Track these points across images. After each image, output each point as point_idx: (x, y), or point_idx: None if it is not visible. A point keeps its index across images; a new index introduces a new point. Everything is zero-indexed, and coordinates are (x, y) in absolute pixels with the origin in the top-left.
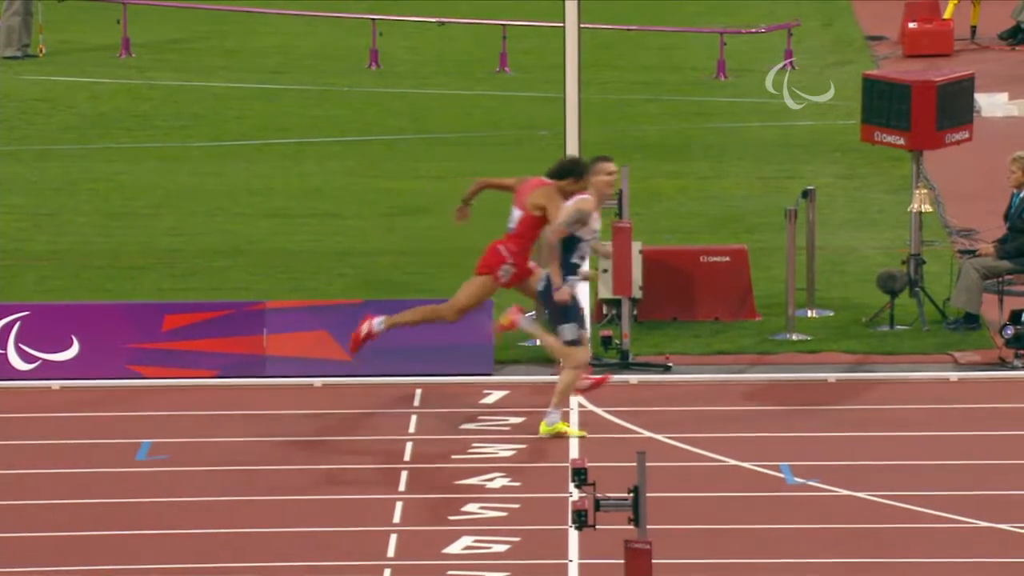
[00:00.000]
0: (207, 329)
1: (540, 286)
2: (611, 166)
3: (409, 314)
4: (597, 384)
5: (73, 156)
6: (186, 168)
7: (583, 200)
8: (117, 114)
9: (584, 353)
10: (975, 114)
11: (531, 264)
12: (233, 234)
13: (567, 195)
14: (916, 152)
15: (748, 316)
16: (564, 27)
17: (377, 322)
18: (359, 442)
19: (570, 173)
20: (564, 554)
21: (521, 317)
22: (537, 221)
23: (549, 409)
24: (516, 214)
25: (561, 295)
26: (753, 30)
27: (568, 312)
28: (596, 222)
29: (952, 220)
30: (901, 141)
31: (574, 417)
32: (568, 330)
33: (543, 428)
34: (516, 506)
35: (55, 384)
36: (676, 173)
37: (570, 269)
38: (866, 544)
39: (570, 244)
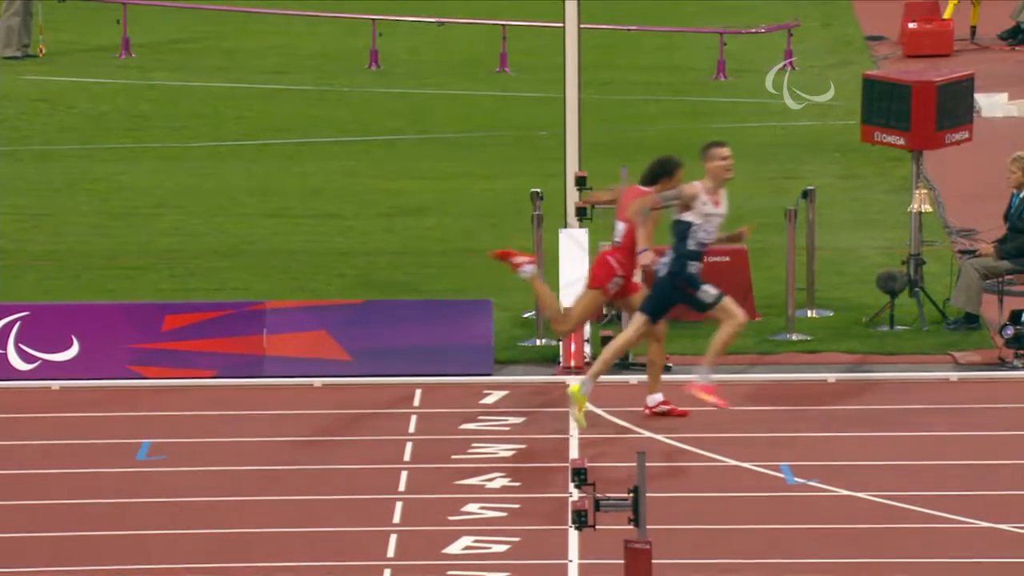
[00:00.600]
0: (207, 329)
1: (661, 271)
2: (725, 151)
3: (548, 294)
4: (676, 414)
5: (73, 156)
6: (186, 168)
7: (687, 184)
8: (117, 114)
9: (736, 304)
10: (975, 114)
11: (635, 280)
12: (233, 234)
13: None
14: (916, 152)
15: (748, 316)
16: (564, 27)
17: (528, 268)
18: (359, 442)
19: (661, 175)
20: (564, 554)
21: (702, 378)
22: (634, 227)
23: (584, 377)
24: (620, 227)
25: (644, 258)
26: (753, 30)
27: (694, 279)
28: (708, 207)
29: (952, 220)
30: (901, 141)
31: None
32: (708, 290)
33: (574, 387)
34: (516, 506)
35: (55, 384)
36: None
37: (690, 255)
38: (866, 544)
39: (684, 230)
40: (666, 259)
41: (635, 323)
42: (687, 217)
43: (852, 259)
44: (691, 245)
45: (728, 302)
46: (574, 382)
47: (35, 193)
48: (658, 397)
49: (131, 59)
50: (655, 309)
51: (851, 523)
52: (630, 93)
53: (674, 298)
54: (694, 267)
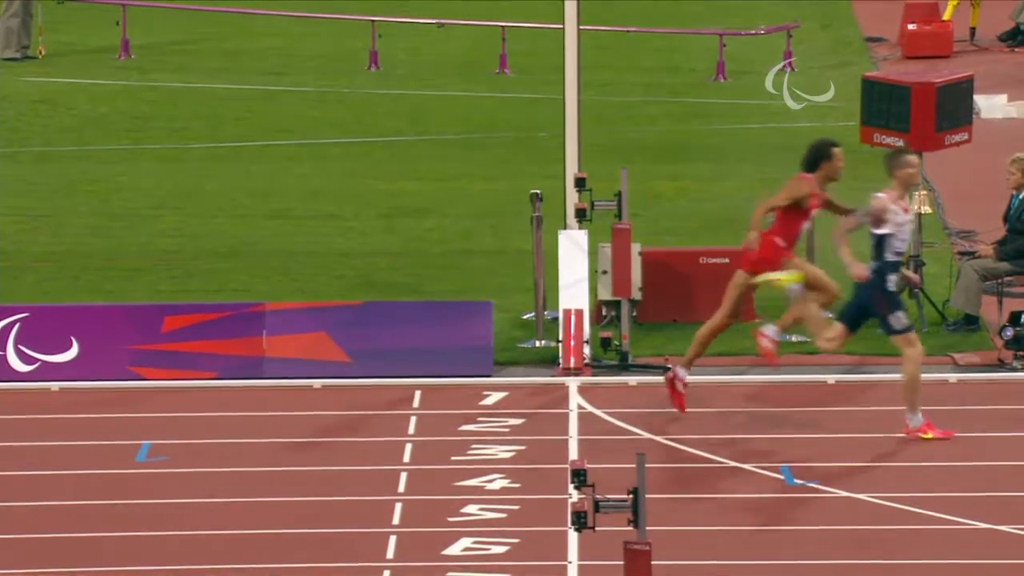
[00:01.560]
0: (206, 330)
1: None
2: (915, 158)
3: (800, 310)
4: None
5: (72, 157)
6: (185, 169)
7: (874, 198)
8: (116, 115)
9: (917, 338)
10: (974, 116)
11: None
12: (232, 235)
13: (829, 179)
14: (915, 154)
15: (747, 318)
16: (563, 28)
17: (772, 331)
18: (358, 443)
19: (820, 158)
20: (563, 555)
21: (912, 421)
22: (785, 209)
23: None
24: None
25: (858, 270)
26: (752, 32)
27: (893, 298)
28: (900, 216)
29: (951, 222)
30: (900, 143)
31: (574, 419)
32: (900, 317)
33: (791, 277)
34: (515, 507)
35: (54, 385)
36: (675, 174)
37: (888, 267)
38: (865, 546)
39: (880, 242)
40: (871, 268)
41: (834, 331)
42: (882, 230)
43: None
44: (889, 256)
45: (913, 335)
46: (789, 279)
47: (34, 194)
48: (684, 373)
49: (131, 60)
50: (852, 319)
51: (851, 524)
52: (630, 94)
53: (869, 309)
54: (892, 279)
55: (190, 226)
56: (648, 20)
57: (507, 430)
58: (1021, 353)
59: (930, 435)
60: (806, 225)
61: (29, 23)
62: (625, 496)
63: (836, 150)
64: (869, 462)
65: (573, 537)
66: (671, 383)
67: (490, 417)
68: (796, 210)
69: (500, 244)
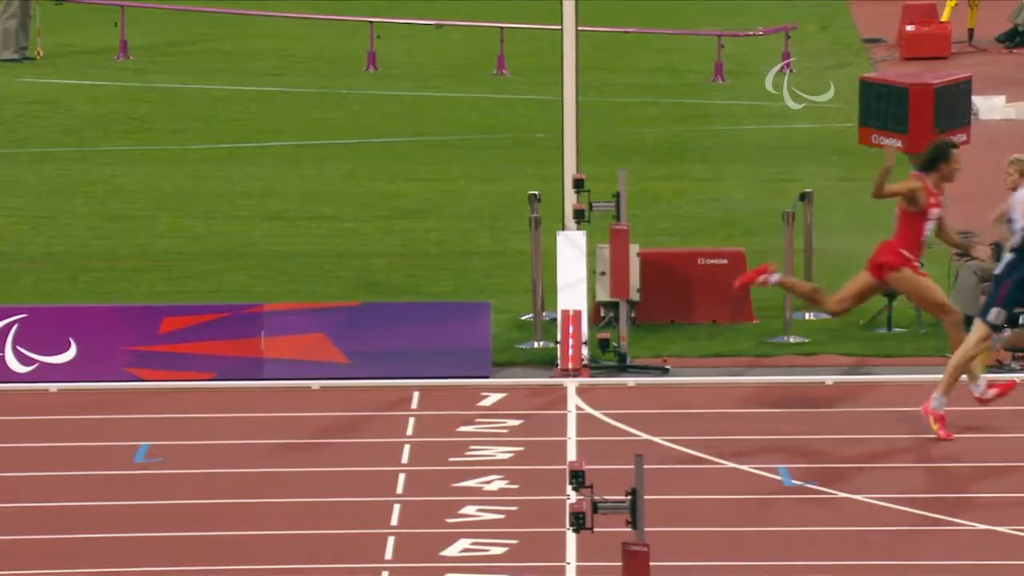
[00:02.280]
0: (205, 332)
1: (997, 270)
2: None
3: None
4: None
5: (71, 159)
6: (184, 171)
7: None
8: (115, 117)
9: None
10: (972, 117)
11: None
12: (231, 237)
13: (943, 180)
14: (914, 155)
15: (745, 319)
16: (562, 30)
17: (773, 277)
18: (357, 444)
19: (938, 159)
20: (562, 556)
21: (938, 403)
22: (904, 213)
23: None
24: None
25: None
26: (751, 33)
27: (1015, 291)
28: None
29: (949, 223)
30: (899, 144)
31: (572, 420)
32: (999, 314)
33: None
34: (514, 508)
35: (53, 387)
36: (674, 176)
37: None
38: (864, 547)
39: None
40: (1008, 260)
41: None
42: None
43: (850, 262)
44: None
45: (990, 335)
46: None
47: (33, 195)
48: (776, 279)
49: (129, 61)
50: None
51: (849, 526)
52: (628, 96)
53: (998, 287)
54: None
55: (188, 227)
56: (646, 21)
57: (505, 431)
58: (1019, 354)
59: (936, 427)
60: (929, 226)
61: (27, 24)
62: (623, 497)
63: (955, 152)
64: (868, 462)
65: (571, 538)
66: (760, 270)
67: (488, 418)
68: (915, 213)
69: (498, 245)
